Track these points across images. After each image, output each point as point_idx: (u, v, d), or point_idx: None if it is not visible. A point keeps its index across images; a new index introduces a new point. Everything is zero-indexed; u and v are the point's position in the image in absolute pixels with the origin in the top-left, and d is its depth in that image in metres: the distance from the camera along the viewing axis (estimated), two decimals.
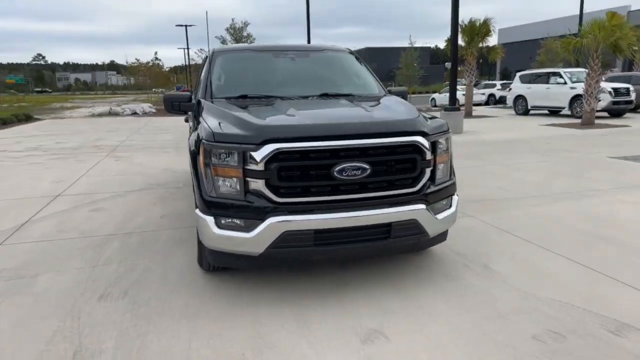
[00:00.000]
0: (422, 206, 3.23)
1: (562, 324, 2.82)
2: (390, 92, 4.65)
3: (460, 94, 25.45)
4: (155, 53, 75.89)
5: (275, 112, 3.46)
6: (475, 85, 32.50)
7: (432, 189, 3.33)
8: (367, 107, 3.62)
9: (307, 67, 4.73)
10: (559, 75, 18.31)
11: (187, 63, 42.45)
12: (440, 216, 3.37)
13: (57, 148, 11.67)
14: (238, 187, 3.03)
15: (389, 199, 3.17)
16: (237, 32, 22.22)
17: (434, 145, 3.32)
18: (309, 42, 25.22)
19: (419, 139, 3.19)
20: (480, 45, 20.25)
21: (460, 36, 19.77)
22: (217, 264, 3.45)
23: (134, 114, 25.79)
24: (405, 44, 26.74)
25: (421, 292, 3.30)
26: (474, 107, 24.86)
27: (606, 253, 3.94)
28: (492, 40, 21.60)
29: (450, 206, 3.53)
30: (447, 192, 3.48)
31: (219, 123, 3.26)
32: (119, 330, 2.83)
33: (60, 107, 38.33)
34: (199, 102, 4.05)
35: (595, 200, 5.60)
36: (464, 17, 20.35)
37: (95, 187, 6.92)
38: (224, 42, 22.42)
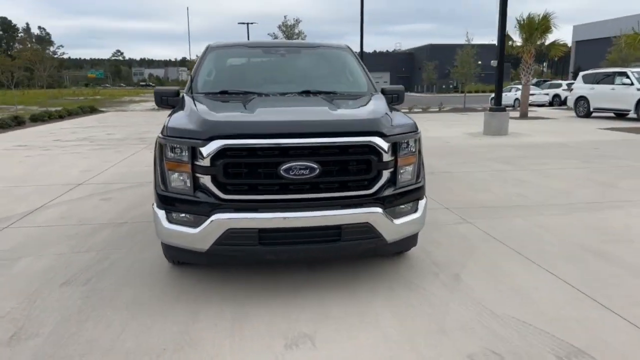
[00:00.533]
0: (378, 209, 3.09)
1: (507, 344, 2.60)
2: (383, 91, 4.49)
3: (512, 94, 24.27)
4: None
5: (236, 108, 3.45)
6: (537, 85, 30.94)
7: (392, 192, 3.18)
8: (335, 106, 3.50)
9: (295, 64, 4.68)
10: (626, 75, 16.93)
11: None
12: (400, 221, 3.20)
13: (104, 139, 12.34)
14: (188, 182, 3.04)
15: (341, 200, 3.06)
16: (289, 30, 22.46)
17: (395, 147, 3.17)
18: (361, 40, 24.97)
19: (375, 139, 3.05)
20: (540, 42, 19.15)
21: (517, 32, 18.85)
22: (171, 258, 3.49)
23: None
24: (474, 42, 25.79)
25: (373, 299, 3.16)
26: (534, 108, 23.64)
27: (599, 271, 3.59)
28: (554, 37, 20.32)
29: (416, 211, 3.35)
30: (411, 195, 3.31)
31: (179, 118, 3.29)
32: (63, 316, 2.94)
33: (128, 101, 40.59)
34: (182, 97, 4.11)
35: (616, 213, 5.12)
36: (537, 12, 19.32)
37: (118, 177, 7.24)
38: (275, 38, 22.77)
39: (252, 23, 39.99)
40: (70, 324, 2.85)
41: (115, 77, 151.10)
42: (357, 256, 3.69)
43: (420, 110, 23.09)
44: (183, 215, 3.08)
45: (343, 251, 3.21)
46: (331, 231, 3.04)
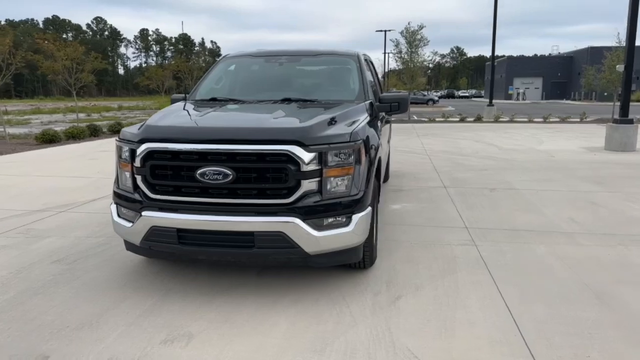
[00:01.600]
0: (294, 219, 3.04)
1: None
2: (381, 100, 4.34)
3: None
4: None
5: (193, 115, 3.67)
6: None
7: (315, 202, 3.09)
8: (284, 115, 3.52)
9: (291, 72, 4.75)
10: None
11: (386, 68, 43.73)
12: (323, 233, 3.10)
13: None
14: (129, 181, 3.36)
15: (256, 207, 3.08)
16: (411, 36, 22.11)
17: (322, 157, 3.08)
18: (493, 44, 23.47)
19: (293, 148, 3.01)
20: None
21: None
22: (127, 249, 3.84)
23: None
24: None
25: (285, 309, 3.11)
26: None
27: (582, 318, 3.01)
28: None
29: (348, 224, 3.19)
30: (341, 208, 3.17)
31: (138, 124, 3.64)
32: (27, 287, 3.46)
33: None
34: (171, 104, 4.49)
35: None
36: None
37: None
38: (397, 45, 22.68)
39: (389, 30, 40.13)
40: (28, 293, 3.36)
41: None
42: (273, 264, 3.59)
43: (542, 120, 20.89)
44: (125, 210, 3.40)
45: (257, 259, 3.21)
46: (244, 237, 3.08)
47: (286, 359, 2.55)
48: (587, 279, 3.58)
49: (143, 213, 3.22)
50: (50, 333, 2.83)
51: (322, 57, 4.92)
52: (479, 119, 21.86)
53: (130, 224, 3.31)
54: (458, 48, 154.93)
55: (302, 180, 3.04)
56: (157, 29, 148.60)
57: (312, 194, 3.10)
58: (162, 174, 3.18)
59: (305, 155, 3.02)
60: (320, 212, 3.11)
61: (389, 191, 6.68)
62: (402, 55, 22.94)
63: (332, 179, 3.14)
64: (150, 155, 3.17)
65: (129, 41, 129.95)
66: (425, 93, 50.82)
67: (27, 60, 14.13)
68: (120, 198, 3.44)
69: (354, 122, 3.50)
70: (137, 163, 3.22)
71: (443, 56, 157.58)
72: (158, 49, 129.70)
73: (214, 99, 4.35)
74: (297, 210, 3.06)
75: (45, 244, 4.42)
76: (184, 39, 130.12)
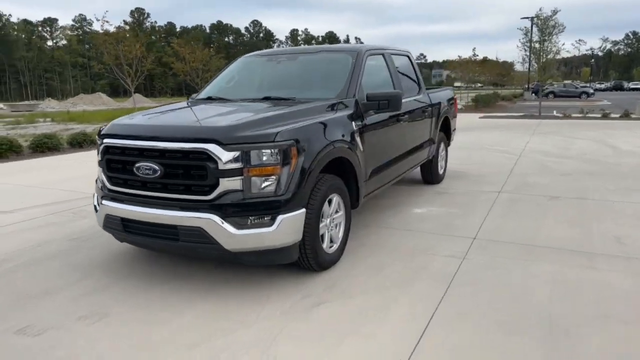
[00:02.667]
0: (212, 216, 3.12)
1: None
2: (369, 98, 4.15)
3: None
4: (474, 49, 73.34)
5: (153, 113, 3.95)
6: None
7: (235, 201, 3.13)
8: (234, 113, 3.61)
9: (282, 71, 4.77)
10: None
11: (529, 57, 40.01)
12: (243, 232, 3.13)
13: None
14: (102, 174, 3.76)
15: (181, 202, 3.23)
16: (543, 23, 19.81)
17: (244, 156, 3.10)
18: None
19: (210, 147, 3.09)
20: None
21: None
22: None
23: None
24: None
25: (201, 301, 3.20)
26: None
27: (507, 355, 2.59)
28: None
29: (271, 225, 3.16)
30: (264, 208, 3.15)
31: None
32: (30, 257, 4.09)
33: None
34: None
35: None
36: None
37: None
38: (526, 33, 20.50)
39: (534, 17, 36.59)
40: (25, 265, 3.98)
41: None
42: (205, 257, 3.66)
43: None
44: (96, 199, 3.81)
45: (184, 251, 3.35)
46: (170, 230, 3.25)
47: (160, 353, 2.66)
48: (560, 310, 3.01)
49: (102, 202, 3.59)
50: (17, 297, 3.34)
51: (320, 54, 4.85)
52: (626, 116, 18.96)
53: (97, 212, 3.72)
54: (635, 33, 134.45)
55: (220, 179, 3.10)
56: (305, 29, 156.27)
57: (234, 192, 3.13)
58: (114, 168, 3.51)
59: (224, 154, 3.07)
60: (240, 210, 3.14)
61: (430, 193, 6.26)
62: (534, 45, 20.81)
63: (254, 178, 3.14)
64: (106, 150, 3.52)
65: (280, 42, 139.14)
66: (579, 85, 45.36)
67: (161, 62, 16.15)
68: (99, 189, 3.87)
69: (296, 122, 3.43)
70: (99, 157, 3.60)
71: (615, 43, 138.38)
72: None
73: (209, 98, 4.59)
74: (216, 207, 3.13)
75: (80, 224, 5.13)
76: (330, 36, 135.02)
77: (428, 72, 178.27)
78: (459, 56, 43.02)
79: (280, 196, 3.18)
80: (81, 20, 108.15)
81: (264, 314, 3.04)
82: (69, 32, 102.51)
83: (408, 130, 5.25)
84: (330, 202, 3.70)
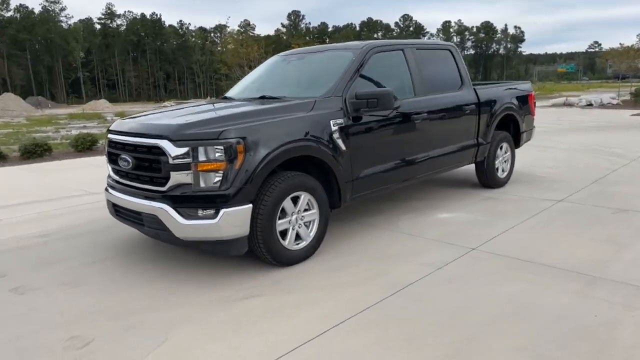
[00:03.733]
0: (165, 205, 3.47)
1: None
2: (357, 97, 4.11)
3: None
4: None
5: (157, 111, 4.41)
6: None
7: (184, 193, 3.43)
8: (209, 110, 3.95)
9: (288, 70, 4.86)
10: None
11: None
12: (190, 222, 3.41)
13: None
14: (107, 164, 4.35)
15: (145, 192, 3.64)
16: None
17: (193, 152, 3.38)
18: None
19: (163, 143, 3.44)
20: None
21: None
22: None
23: (589, 105, 23.72)
24: None
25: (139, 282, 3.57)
26: None
27: None
28: None
29: (214, 218, 3.38)
30: (208, 201, 3.39)
31: None
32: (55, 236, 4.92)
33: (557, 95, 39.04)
34: None
35: None
36: None
37: None
38: None
39: None
40: (48, 238, 4.80)
41: (588, 70, 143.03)
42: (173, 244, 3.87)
43: None
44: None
45: (152, 235, 3.73)
46: (138, 216, 3.68)
47: (97, 316, 3.09)
48: (470, 333, 2.70)
49: (107, 189, 4.19)
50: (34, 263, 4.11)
51: (326, 52, 4.85)
52: None
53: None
54: None
55: (171, 172, 3.42)
56: (459, 20, 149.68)
57: (184, 185, 3.43)
58: (111, 159, 4.06)
59: (174, 150, 3.39)
60: (188, 202, 3.42)
61: (476, 197, 5.80)
62: None
63: (201, 173, 3.39)
64: (108, 143, 4.09)
65: (432, 34, 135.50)
66: None
67: None
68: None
69: (253, 121, 3.58)
70: (105, 149, 4.20)
71: None
72: (458, 39, 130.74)
73: (224, 98, 4.96)
74: (169, 198, 3.46)
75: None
76: (486, 26, 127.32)
77: (603, 62, 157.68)
78: (620, 44, 37.20)
79: (224, 191, 3.37)
80: (245, 25, 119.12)
81: (198, 299, 3.28)
82: (234, 36, 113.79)
83: (431, 129, 4.97)
84: (296, 199, 3.77)
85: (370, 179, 4.38)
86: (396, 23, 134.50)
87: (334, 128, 3.97)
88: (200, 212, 3.41)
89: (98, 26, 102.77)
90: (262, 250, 3.61)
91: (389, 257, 3.94)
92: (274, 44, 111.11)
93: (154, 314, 3.09)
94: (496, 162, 6.17)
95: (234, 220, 3.40)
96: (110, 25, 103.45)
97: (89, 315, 3.10)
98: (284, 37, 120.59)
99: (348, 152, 4.09)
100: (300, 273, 3.67)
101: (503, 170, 6.37)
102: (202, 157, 3.37)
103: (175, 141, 3.40)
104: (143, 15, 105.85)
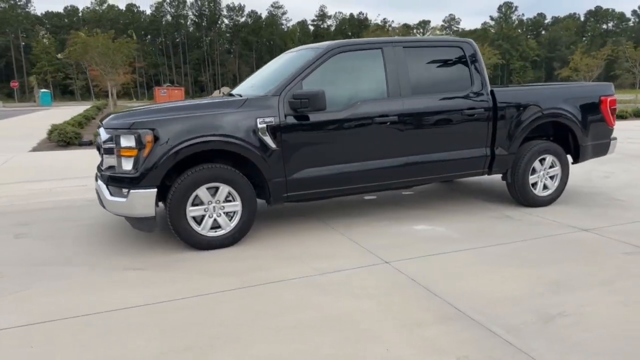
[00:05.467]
0: (101, 183, 4.21)
1: None
2: (294, 97, 4.21)
3: None
4: None
5: None
6: None
7: (110, 173, 4.09)
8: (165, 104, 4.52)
9: (270, 69, 5.16)
10: None
11: None
12: (112, 198, 4.06)
13: None
14: None
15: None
16: None
17: (116, 139, 4.01)
18: None
19: (100, 130, 4.18)
20: None
21: None
22: None
23: None
24: None
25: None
26: None
27: None
28: None
29: (126, 197, 3.96)
30: (122, 182, 3.98)
31: None
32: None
33: None
34: None
35: None
36: None
37: None
38: None
39: None
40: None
41: None
42: None
43: None
44: None
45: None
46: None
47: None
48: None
49: None
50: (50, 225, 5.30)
51: (300, 51, 4.88)
52: None
53: None
54: None
55: (104, 155, 4.12)
56: None
57: (112, 167, 4.08)
58: None
59: (104, 136, 4.08)
60: (113, 182, 4.07)
61: (489, 213, 5.14)
62: None
63: (120, 157, 3.99)
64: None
65: None
66: None
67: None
68: None
69: (173, 115, 4.04)
70: None
71: None
72: None
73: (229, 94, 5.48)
74: (104, 177, 4.17)
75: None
76: None
77: None
78: None
79: (134, 174, 3.91)
80: (450, 20, 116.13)
81: (95, 262, 3.90)
82: (438, 32, 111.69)
83: (410, 134, 4.63)
84: (216, 190, 4.09)
85: (312, 180, 4.38)
86: (634, 12, 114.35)
87: (260, 126, 4.13)
88: (117, 191, 4.02)
89: (312, 27, 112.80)
90: (175, 232, 4.04)
91: (292, 256, 3.97)
92: (478, 39, 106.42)
93: (53, 267, 3.82)
94: (532, 177, 5.30)
95: (140, 201, 3.91)
96: (322, 26, 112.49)
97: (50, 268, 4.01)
98: (492, 31, 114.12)
99: (279, 150, 4.20)
100: (198, 257, 3.97)
101: (546, 187, 5.43)
102: (120, 144, 3.95)
103: (106, 129, 4.07)
104: (351, 15, 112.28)
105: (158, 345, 2.63)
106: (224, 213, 4.17)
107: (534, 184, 5.36)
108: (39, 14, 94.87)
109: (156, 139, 3.90)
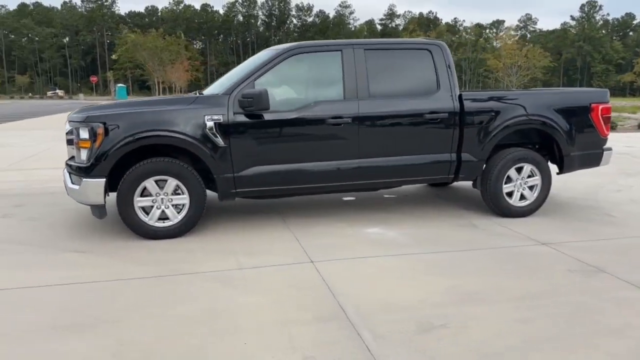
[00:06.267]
0: (65, 172, 4.58)
1: None
2: (242, 96, 4.34)
3: None
4: None
5: None
6: None
7: (72, 163, 4.44)
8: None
9: (238, 69, 5.22)
10: None
11: None
12: (71, 186, 4.40)
13: None
14: None
15: None
16: None
17: (76, 131, 4.34)
18: None
19: (66, 123, 4.52)
20: None
21: None
22: None
23: None
24: None
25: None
26: None
27: None
28: None
29: (79, 185, 4.28)
30: (79, 170, 4.30)
31: None
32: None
33: None
34: None
35: None
36: None
37: None
38: None
39: None
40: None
41: None
42: None
43: None
44: None
45: None
46: None
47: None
48: None
49: None
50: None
51: (264, 52, 4.96)
52: None
53: None
54: None
55: (67, 145, 4.47)
56: None
57: (74, 157, 4.42)
58: None
59: (67, 128, 4.42)
60: (72, 170, 4.41)
61: (458, 221, 4.98)
62: None
63: (79, 149, 4.31)
64: None
65: None
66: None
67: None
68: None
69: (122, 110, 4.31)
70: None
71: None
72: None
73: None
74: (68, 165, 4.52)
75: None
76: None
77: None
78: None
79: (86, 164, 4.21)
80: (526, 20, 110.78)
81: (48, 246, 4.25)
82: (512, 32, 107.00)
83: (362, 136, 4.60)
84: (163, 182, 4.31)
85: (261, 178, 4.48)
86: None
87: (208, 123, 4.29)
88: (79, 180, 4.34)
89: (379, 27, 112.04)
90: (123, 221, 4.31)
91: (227, 251, 4.09)
92: (556, 39, 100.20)
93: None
94: (506, 186, 5.07)
95: (91, 189, 4.21)
96: (390, 25, 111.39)
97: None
98: (572, 32, 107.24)
99: (228, 148, 4.34)
100: (137, 246, 4.18)
101: (523, 198, 5.17)
102: (77, 136, 4.27)
103: (69, 122, 4.42)
104: (421, 14, 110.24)
105: (47, 321, 2.87)
106: (172, 205, 4.38)
107: (510, 194, 5.12)
108: (122, 13, 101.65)
109: (107, 132, 4.17)
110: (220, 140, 4.32)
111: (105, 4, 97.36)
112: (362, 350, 2.57)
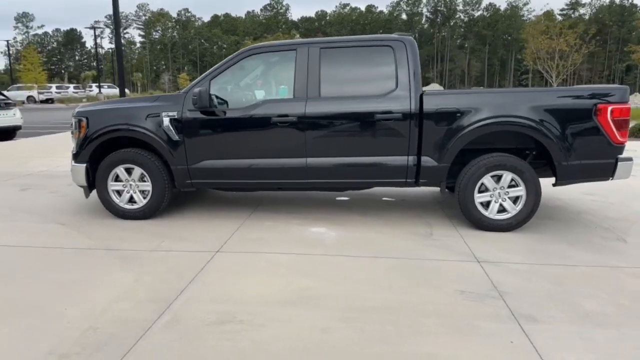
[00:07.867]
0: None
1: None
2: (193, 94, 4.74)
3: None
4: None
5: None
6: None
7: (72, 151, 5.35)
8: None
9: None
10: None
11: None
12: (69, 168, 5.33)
13: None
14: None
15: None
16: None
17: (76, 123, 5.23)
18: None
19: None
20: None
21: None
22: None
23: None
24: None
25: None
26: None
27: None
28: None
29: (71, 169, 5.16)
30: (73, 157, 5.17)
31: None
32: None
33: None
34: None
35: None
36: None
37: None
38: None
39: None
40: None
41: None
42: None
43: None
44: None
45: None
46: None
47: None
48: None
49: None
50: None
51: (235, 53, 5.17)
52: None
53: None
54: None
55: (72, 137, 5.40)
56: None
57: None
58: None
59: (72, 121, 5.36)
60: (73, 155, 5.31)
61: (420, 231, 4.66)
62: None
63: (75, 138, 5.19)
64: None
65: None
66: None
67: None
68: None
69: (103, 106, 5.02)
70: None
71: None
72: None
73: None
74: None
75: None
76: None
77: None
78: None
79: (75, 151, 5.06)
80: None
81: (37, 216, 5.18)
82: None
83: (311, 135, 4.59)
84: (130, 170, 4.95)
85: (211, 171, 4.80)
86: None
87: (164, 119, 4.78)
88: (70, 164, 5.23)
89: (559, 17, 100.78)
90: (101, 202, 5.07)
91: (165, 236, 4.51)
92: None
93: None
94: (479, 195, 4.53)
95: (75, 174, 5.05)
96: (573, 15, 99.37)
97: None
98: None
99: (182, 142, 4.78)
100: (105, 224, 4.85)
101: (503, 210, 4.56)
102: (73, 127, 5.14)
103: (73, 116, 5.32)
104: (612, 1, 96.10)
105: None
106: (138, 191, 4.98)
107: (487, 204, 4.57)
108: (295, 19, 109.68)
109: (87, 125, 4.95)
110: (175, 135, 4.76)
111: (280, 11, 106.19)
112: (144, 330, 2.76)
